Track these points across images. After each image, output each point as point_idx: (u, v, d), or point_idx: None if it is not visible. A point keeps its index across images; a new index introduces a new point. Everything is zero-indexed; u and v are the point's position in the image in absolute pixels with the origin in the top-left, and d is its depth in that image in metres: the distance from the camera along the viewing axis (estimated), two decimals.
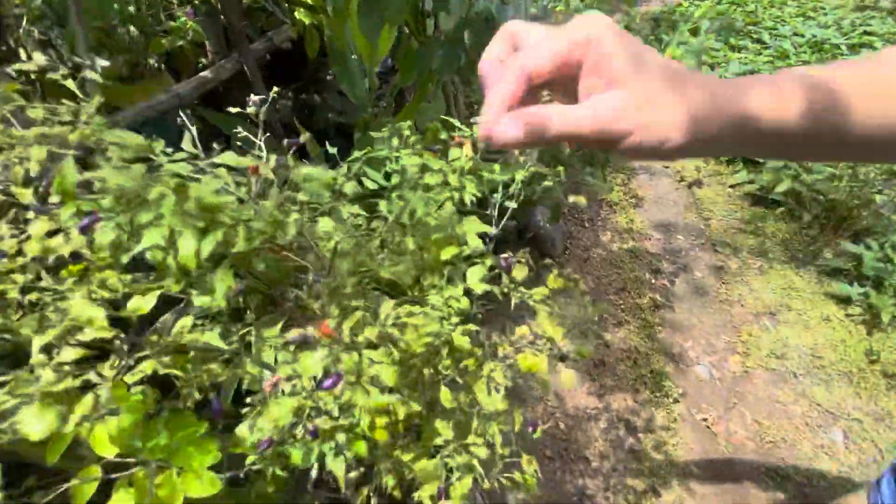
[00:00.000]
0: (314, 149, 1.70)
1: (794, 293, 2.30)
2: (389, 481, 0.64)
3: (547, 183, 0.60)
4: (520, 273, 0.53)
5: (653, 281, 2.43)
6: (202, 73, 1.39)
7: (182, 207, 0.38)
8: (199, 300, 0.39)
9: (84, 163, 0.50)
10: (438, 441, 0.48)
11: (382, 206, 0.66)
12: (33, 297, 0.38)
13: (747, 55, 4.28)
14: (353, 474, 0.77)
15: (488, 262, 0.53)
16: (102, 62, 1.17)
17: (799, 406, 1.84)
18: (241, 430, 0.48)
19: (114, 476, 0.56)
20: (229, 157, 0.46)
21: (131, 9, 1.23)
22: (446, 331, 0.46)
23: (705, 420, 1.81)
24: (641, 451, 1.64)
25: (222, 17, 1.42)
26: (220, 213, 0.39)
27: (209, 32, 1.42)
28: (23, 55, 1.48)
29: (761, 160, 2.99)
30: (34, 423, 0.37)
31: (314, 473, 1.13)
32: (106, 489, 0.67)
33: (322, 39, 2.19)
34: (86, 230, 0.38)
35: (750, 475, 1.64)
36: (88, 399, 0.44)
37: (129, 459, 0.59)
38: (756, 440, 1.75)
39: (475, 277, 0.50)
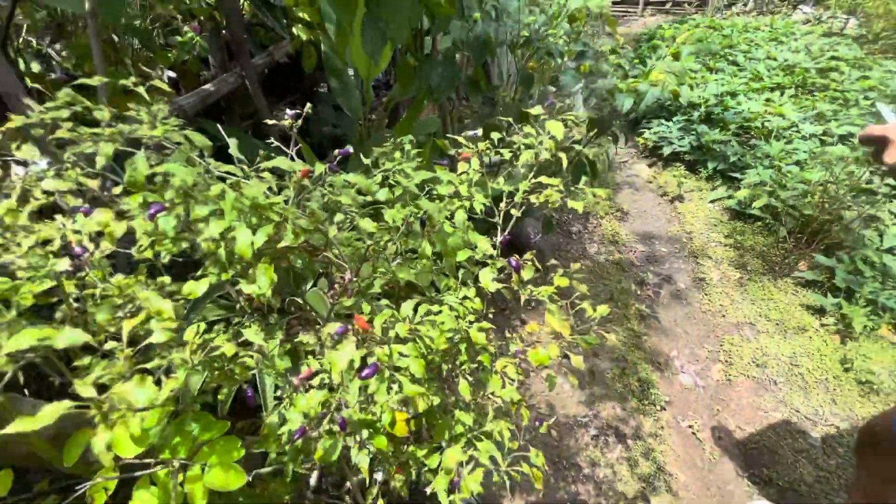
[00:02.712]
0: (311, 159, 1.73)
1: (772, 304, 2.40)
2: (398, 481, 0.67)
3: (549, 193, 0.65)
4: (528, 273, 0.57)
5: (638, 292, 2.51)
6: (205, 86, 1.42)
7: (238, 204, 0.41)
8: (247, 288, 0.42)
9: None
10: (458, 429, 0.51)
11: (388, 215, 0.69)
12: (97, 291, 0.40)
13: (724, 76, 4.48)
14: (356, 478, 0.80)
15: (498, 263, 0.57)
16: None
17: (779, 413, 1.91)
18: (271, 420, 0.50)
19: (136, 474, 0.58)
20: (281, 162, 0.49)
21: (137, 23, 1.26)
22: (463, 328, 0.50)
23: (691, 427, 1.86)
24: (631, 457, 1.68)
25: (225, 32, 1.46)
26: (268, 212, 0.42)
27: (213, 47, 1.45)
28: (21, 65, 1.49)
29: (739, 176, 3.12)
30: (138, 393, 0.39)
31: (313, 480, 1.14)
32: (119, 492, 0.68)
33: (318, 54, 2.24)
34: (153, 217, 0.41)
35: (735, 481, 1.69)
36: (175, 381, 0.45)
37: (145, 461, 0.60)
38: (740, 447, 1.81)
39: (486, 278, 0.54)
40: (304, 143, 1.81)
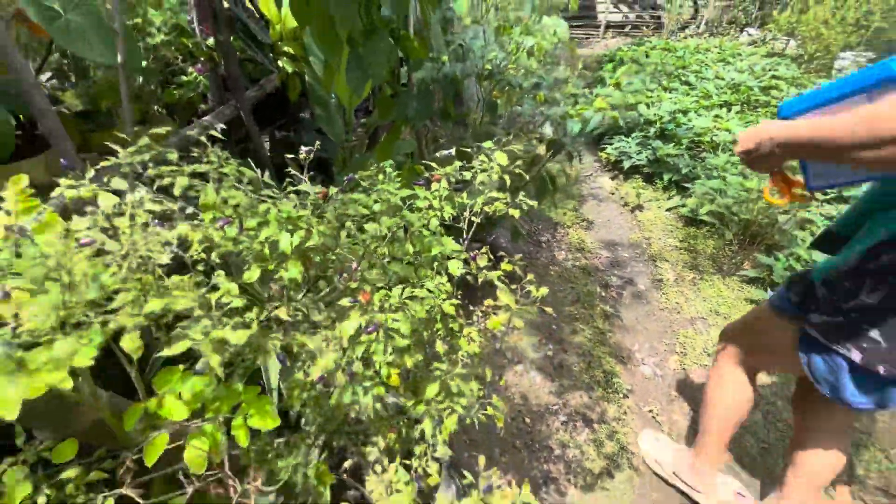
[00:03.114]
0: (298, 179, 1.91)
1: (721, 300, 2.66)
2: (391, 437, 0.85)
3: (499, 206, 0.85)
4: (482, 260, 0.76)
5: (603, 294, 2.74)
6: (205, 118, 1.59)
7: (279, 217, 0.59)
8: (286, 274, 0.60)
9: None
10: (437, 373, 0.69)
11: (370, 227, 0.88)
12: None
13: (677, 95, 4.86)
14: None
15: (463, 256, 0.76)
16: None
17: None
18: (298, 376, 0.67)
19: (190, 426, 0.74)
20: (305, 187, 0.68)
21: (144, 63, 1.42)
22: (438, 304, 0.68)
23: (651, 412, 2.08)
24: (597, 439, 1.88)
25: (222, 70, 1.64)
26: (299, 222, 0.60)
27: (212, 84, 1.63)
28: None
29: (691, 186, 3.43)
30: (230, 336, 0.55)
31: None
32: (169, 454, 0.84)
33: (303, 84, 2.44)
34: (222, 227, 0.58)
35: None
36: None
37: (193, 422, 0.77)
38: (694, 426, 2.02)
39: (454, 266, 0.73)
40: (294, 164, 1.99)
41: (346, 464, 0.78)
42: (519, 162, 1.16)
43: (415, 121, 1.60)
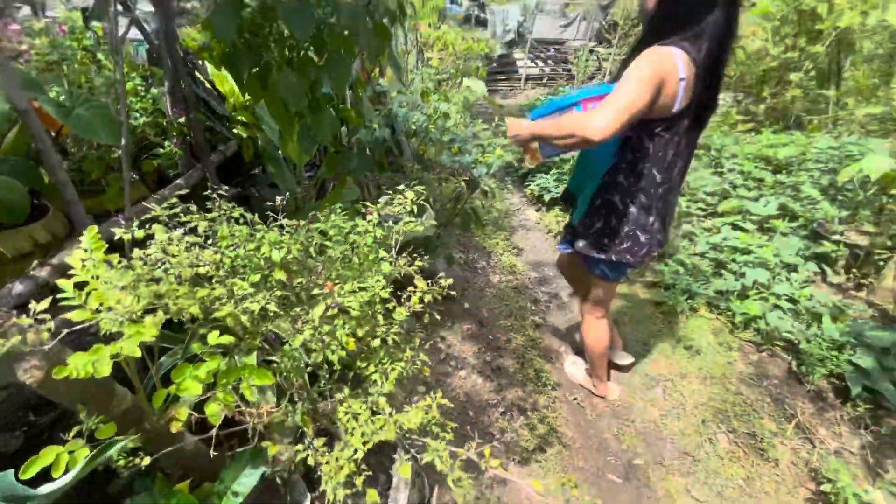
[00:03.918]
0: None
1: (630, 302, 3.17)
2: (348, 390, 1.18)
3: (412, 226, 1.24)
4: (420, 283, 1.15)
5: (533, 307, 3.17)
6: (177, 181, 1.90)
7: (269, 241, 0.93)
8: (276, 276, 0.93)
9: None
10: (379, 332, 1.03)
11: (330, 249, 1.24)
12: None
13: None
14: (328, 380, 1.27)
15: (389, 259, 1.13)
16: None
17: (636, 377, 2.59)
18: (286, 349, 0.99)
19: (206, 396, 1.04)
20: (284, 222, 1.03)
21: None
22: (377, 290, 1.04)
23: (576, 399, 2.47)
24: (530, 423, 2.24)
25: (191, 141, 1.97)
26: (282, 244, 0.95)
27: (184, 153, 1.96)
28: None
29: None
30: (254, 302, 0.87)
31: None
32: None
33: (255, 147, 2.79)
34: (233, 249, 0.91)
35: (608, 429, 2.30)
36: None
37: (208, 394, 1.06)
38: (612, 406, 2.43)
39: (385, 266, 1.10)
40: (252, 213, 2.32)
41: (322, 406, 1.09)
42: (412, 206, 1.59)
43: (356, 174, 2.00)
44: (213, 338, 1.06)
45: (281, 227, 1.05)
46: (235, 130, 2.65)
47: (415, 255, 1.26)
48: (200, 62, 2.66)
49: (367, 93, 1.97)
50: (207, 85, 2.44)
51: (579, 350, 2.73)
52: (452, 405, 2.27)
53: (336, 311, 0.96)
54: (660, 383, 2.55)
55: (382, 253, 1.13)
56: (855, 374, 2.36)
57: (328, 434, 1.29)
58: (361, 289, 1.05)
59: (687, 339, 2.80)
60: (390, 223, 1.21)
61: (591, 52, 10.35)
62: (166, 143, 1.87)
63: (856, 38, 4.04)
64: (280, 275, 0.96)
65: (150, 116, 1.84)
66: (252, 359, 1.04)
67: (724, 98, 6.53)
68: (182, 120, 1.85)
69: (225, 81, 2.58)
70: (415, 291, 1.10)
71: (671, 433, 2.28)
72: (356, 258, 1.12)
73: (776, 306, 2.84)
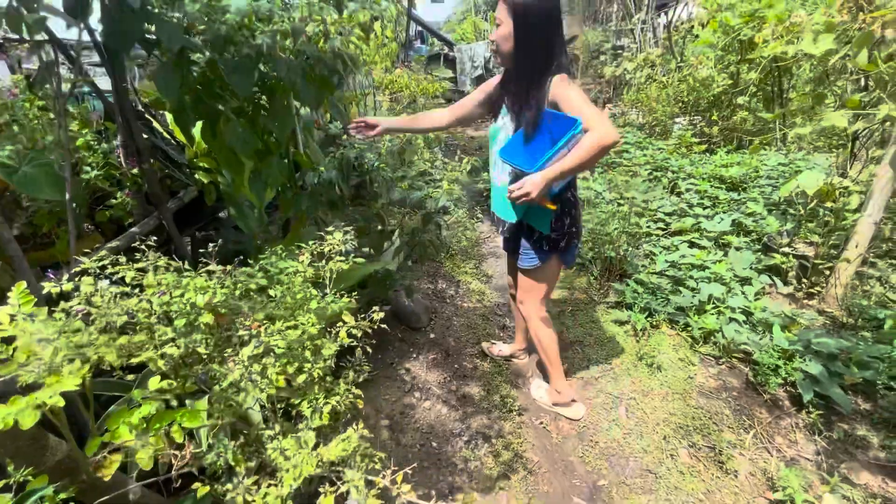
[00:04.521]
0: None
1: (593, 324, 3.24)
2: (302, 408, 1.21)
3: (342, 265, 1.30)
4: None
5: (500, 333, 3.22)
6: (133, 229, 1.95)
7: (195, 286, 0.98)
8: (203, 320, 0.98)
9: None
10: (307, 366, 1.08)
11: (274, 290, 1.30)
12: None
13: None
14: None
15: (317, 297, 1.19)
16: None
17: (601, 396, 2.63)
18: (216, 390, 1.03)
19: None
20: (212, 268, 1.08)
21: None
22: (308, 328, 1.09)
23: (542, 423, 2.49)
24: (495, 450, 2.25)
25: (146, 190, 2.03)
26: (208, 288, 1.00)
27: (139, 202, 2.01)
28: None
29: None
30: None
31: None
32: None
33: (217, 191, 2.86)
34: (159, 296, 0.96)
35: (573, 452, 2.32)
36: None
37: (140, 440, 1.08)
38: (577, 428, 2.46)
39: (314, 304, 1.16)
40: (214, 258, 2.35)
41: (250, 437, 1.11)
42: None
43: (309, 212, 2.07)
44: (154, 383, 1.09)
45: (209, 272, 1.11)
46: (197, 176, 2.72)
47: (353, 292, 1.32)
48: (161, 113, 2.76)
49: (315, 138, 2.08)
50: (166, 135, 2.52)
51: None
52: (413, 438, 2.29)
53: (262, 349, 1.01)
54: (623, 401, 2.59)
55: (313, 291, 1.19)
56: (806, 381, 2.44)
57: (274, 470, 1.31)
58: (291, 328, 1.10)
59: (649, 356, 2.86)
60: (323, 263, 1.27)
61: None
62: (118, 194, 1.92)
63: (788, 64, 4.34)
64: (208, 318, 1.01)
65: (101, 170, 1.89)
66: (203, 403, 1.07)
67: (681, 121, 6.86)
68: (136, 171, 1.91)
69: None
70: (343, 326, 1.16)
71: (634, 451, 2.31)
72: (288, 298, 1.17)
73: (732, 319, 2.94)
